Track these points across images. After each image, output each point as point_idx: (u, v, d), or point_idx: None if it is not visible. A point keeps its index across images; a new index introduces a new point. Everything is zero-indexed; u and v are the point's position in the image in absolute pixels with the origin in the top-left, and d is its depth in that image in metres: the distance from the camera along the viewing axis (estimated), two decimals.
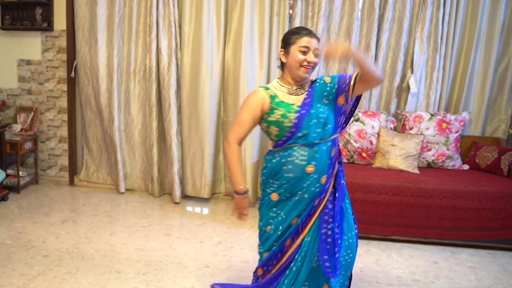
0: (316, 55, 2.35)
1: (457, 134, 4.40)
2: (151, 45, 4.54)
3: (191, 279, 3.22)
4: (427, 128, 4.39)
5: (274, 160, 2.43)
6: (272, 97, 2.40)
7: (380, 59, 4.54)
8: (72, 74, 4.86)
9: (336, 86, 2.41)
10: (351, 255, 2.59)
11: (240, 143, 2.47)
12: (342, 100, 2.41)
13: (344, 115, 2.47)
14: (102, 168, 5.00)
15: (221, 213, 4.53)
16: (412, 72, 4.52)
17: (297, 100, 2.41)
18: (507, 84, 4.58)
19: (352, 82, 2.37)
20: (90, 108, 4.82)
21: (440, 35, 4.44)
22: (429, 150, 4.38)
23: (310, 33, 2.36)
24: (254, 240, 3.92)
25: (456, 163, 4.41)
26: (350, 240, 2.58)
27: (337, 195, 2.48)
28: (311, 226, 2.45)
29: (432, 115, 4.43)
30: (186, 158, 4.73)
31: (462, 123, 4.43)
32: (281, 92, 2.43)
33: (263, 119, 2.42)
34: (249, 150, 4.60)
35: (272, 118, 2.37)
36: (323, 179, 2.40)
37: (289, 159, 2.38)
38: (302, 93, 2.43)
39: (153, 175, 4.77)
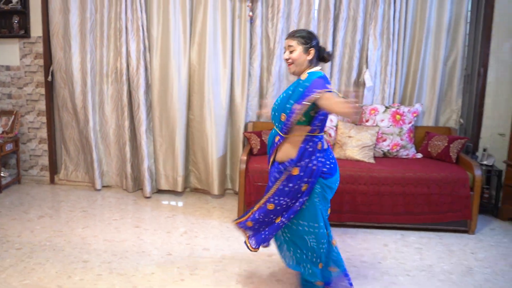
0: (291, 52, 2.63)
1: (410, 125, 4.46)
2: (121, 48, 4.59)
3: (153, 266, 3.28)
4: (382, 120, 4.45)
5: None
6: None
7: (337, 56, 4.59)
8: (49, 78, 4.90)
9: (300, 89, 2.58)
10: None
11: None
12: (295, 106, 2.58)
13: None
14: (80, 167, 5.05)
15: (192, 206, 4.57)
16: (367, 67, 4.58)
17: None
18: (456, 77, 4.63)
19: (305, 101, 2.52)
20: (67, 110, 4.87)
21: (392, 32, 4.49)
22: (384, 140, 4.44)
23: (287, 36, 2.70)
24: (219, 229, 3.99)
25: (410, 152, 4.47)
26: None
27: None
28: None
29: (386, 107, 4.49)
30: (158, 154, 4.79)
31: (415, 115, 4.49)
32: None
33: None
34: (215, 145, 4.67)
35: None
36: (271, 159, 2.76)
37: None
38: None
39: (126, 171, 4.82)
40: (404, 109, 4.47)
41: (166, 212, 4.38)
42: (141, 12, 4.51)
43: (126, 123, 4.72)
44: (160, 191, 4.93)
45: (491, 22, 4.46)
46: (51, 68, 4.88)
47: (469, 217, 3.95)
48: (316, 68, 2.68)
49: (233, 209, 4.49)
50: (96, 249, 3.53)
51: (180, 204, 4.64)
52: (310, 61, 2.67)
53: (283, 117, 2.63)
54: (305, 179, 2.61)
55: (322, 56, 2.72)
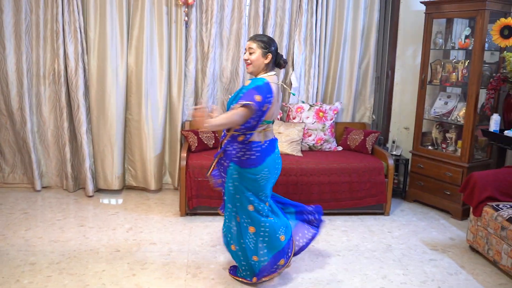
0: (251, 53, 2.73)
1: (331, 121, 4.73)
2: (59, 50, 4.36)
3: (102, 263, 3.21)
4: (307, 117, 4.67)
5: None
6: None
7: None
8: None
9: (241, 94, 2.70)
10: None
11: None
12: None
13: None
14: (17, 169, 4.73)
15: (132, 203, 4.49)
16: (293, 70, 4.77)
17: None
18: (368, 78, 4.97)
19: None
20: (0, 112, 4.55)
21: (315, 38, 4.72)
22: (310, 135, 4.66)
23: (249, 38, 2.80)
24: (162, 224, 3.97)
25: (332, 145, 4.74)
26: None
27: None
28: None
29: (310, 106, 4.71)
30: (97, 154, 4.63)
31: (335, 112, 4.76)
32: None
33: None
34: (152, 143, 4.63)
35: None
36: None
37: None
38: None
39: (67, 172, 4.61)
40: (326, 107, 4.73)
41: (108, 210, 4.27)
42: (78, 14, 4.31)
43: (65, 124, 4.50)
44: (99, 190, 4.75)
45: (397, 30, 4.85)
46: None
47: (384, 201, 4.30)
48: (271, 73, 2.81)
49: (174, 203, 4.48)
50: (42, 250, 3.38)
51: (121, 201, 4.54)
52: (267, 65, 2.78)
53: None
54: (226, 160, 2.86)
55: (278, 62, 2.85)
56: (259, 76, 2.79)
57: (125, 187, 4.88)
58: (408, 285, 3.08)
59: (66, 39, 4.35)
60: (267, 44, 2.75)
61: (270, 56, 2.75)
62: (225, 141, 2.85)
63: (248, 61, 2.75)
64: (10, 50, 4.37)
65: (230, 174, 2.83)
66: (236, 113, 2.58)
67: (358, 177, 4.23)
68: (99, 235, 3.69)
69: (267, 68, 2.78)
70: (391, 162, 4.29)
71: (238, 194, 2.82)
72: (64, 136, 4.55)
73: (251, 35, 4.62)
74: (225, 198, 2.95)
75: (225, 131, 2.87)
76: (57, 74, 4.45)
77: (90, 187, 4.57)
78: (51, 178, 4.78)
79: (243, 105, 2.58)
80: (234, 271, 3.09)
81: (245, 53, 2.79)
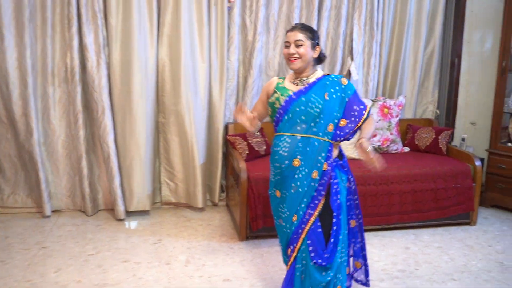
0: (299, 46, 2.27)
1: (397, 118, 4.21)
2: (72, 41, 3.59)
3: None
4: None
5: (272, 145, 2.39)
6: (278, 83, 2.41)
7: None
8: None
9: (347, 99, 2.32)
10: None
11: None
12: (344, 122, 2.33)
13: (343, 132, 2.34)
14: (19, 190, 3.90)
15: (171, 226, 3.78)
16: (352, 59, 4.20)
17: (297, 89, 2.34)
18: (433, 67, 4.49)
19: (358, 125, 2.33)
20: (0, 120, 3.73)
21: (376, 22, 4.18)
22: (375, 136, 4.12)
23: (292, 28, 2.34)
24: (224, 252, 3.30)
25: (399, 146, 4.22)
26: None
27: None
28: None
29: (373, 101, 4.17)
30: (122, 169, 3.88)
31: (400, 107, 4.24)
32: (288, 80, 2.41)
33: (267, 102, 2.41)
34: (196, 151, 3.93)
35: (270, 100, 2.38)
36: (315, 174, 2.26)
37: (275, 149, 2.34)
38: (305, 84, 2.34)
39: (84, 191, 3.83)
40: (390, 102, 4.19)
41: (147, 237, 3.54)
42: None
43: (82, 133, 3.73)
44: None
45: (464, 13, 4.37)
46: None
47: (472, 209, 3.81)
48: (319, 71, 2.37)
49: (224, 224, 3.82)
50: None
51: (158, 225, 3.80)
52: (315, 60, 2.35)
53: (331, 127, 2.28)
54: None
55: (319, 57, 2.37)
56: (310, 74, 2.35)
57: (157, 204, 4.16)
58: None
59: (82, 27, 3.59)
60: (315, 34, 2.36)
61: (319, 48, 2.35)
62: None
63: (296, 55, 2.28)
64: (10, 42, 3.54)
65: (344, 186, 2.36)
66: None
67: (444, 183, 3.72)
68: (153, 273, 2.97)
69: (314, 63, 2.37)
70: (478, 163, 3.81)
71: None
72: (80, 147, 3.78)
73: (303, 18, 4.08)
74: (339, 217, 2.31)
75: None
76: (70, 71, 3.68)
77: (121, 208, 3.80)
78: (61, 200, 3.97)
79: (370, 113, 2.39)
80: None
81: (287, 45, 2.31)
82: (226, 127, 4.08)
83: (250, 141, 3.88)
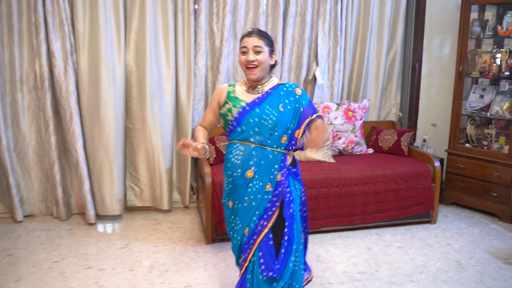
0: (258, 53, 2.13)
1: (361, 121, 4.28)
2: (40, 48, 3.48)
3: None
4: (335, 118, 4.20)
5: (226, 153, 2.26)
6: (229, 92, 2.23)
7: (286, 53, 4.19)
8: None
9: (301, 109, 2.22)
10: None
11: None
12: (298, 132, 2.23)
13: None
14: None
15: (141, 229, 3.70)
16: (317, 64, 4.27)
17: (250, 98, 2.20)
18: (395, 71, 4.55)
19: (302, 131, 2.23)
20: None
21: (340, 28, 4.22)
22: (339, 138, 4.21)
23: (249, 33, 2.17)
24: (188, 256, 3.22)
25: (363, 148, 4.31)
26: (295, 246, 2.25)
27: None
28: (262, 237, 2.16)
29: (338, 104, 4.28)
30: (92, 174, 3.87)
31: (364, 110, 4.33)
32: (241, 89, 2.25)
33: (219, 113, 2.25)
34: (162, 155, 3.91)
35: (222, 111, 2.22)
36: (268, 187, 2.16)
37: (228, 156, 2.22)
38: (259, 93, 2.21)
39: (57, 196, 3.73)
40: (354, 105, 4.27)
41: (115, 242, 3.45)
42: (64, 2, 3.49)
43: (53, 139, 3.63)
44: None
45: (424, 19, 4.47)
46: None
47: (432, 208, 3.86)
48: (275, 79, 2.27)
49: (193, 227, 3.78)
50: None
51: (127, 228, 3.74)
52: (271, 67, 2.22)
53: (284, 139, 2.18)
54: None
55: (273, 65, 2.25)
56: (265, 82, 2.25)
57: (126, 209, 4.13)
58: None
59: (49, 34, 3.53)
60: (272, 40, 2.22)
61: (275, 56, 2.23)
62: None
63: (255, 63, 2.13)
64: None
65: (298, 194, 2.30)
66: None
67: (405, 183, 3.81)
68: (115, 280, 2.88)
69: (270, 71, 2.26)
70: (437, 164, 3.89)
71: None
72: (52, 153, 3.70)
73: (270, 25, 4.10)
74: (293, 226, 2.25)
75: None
76: (40, 78, 3.60)
77: (91, 212, 3.71)
78: (34, 205, 3.87)
79: (320, 116, 2.24)
80: None
81: (244, 52, 2.15)
82: (193, 132, 4.14)
83: (217, 145, 3.91)
